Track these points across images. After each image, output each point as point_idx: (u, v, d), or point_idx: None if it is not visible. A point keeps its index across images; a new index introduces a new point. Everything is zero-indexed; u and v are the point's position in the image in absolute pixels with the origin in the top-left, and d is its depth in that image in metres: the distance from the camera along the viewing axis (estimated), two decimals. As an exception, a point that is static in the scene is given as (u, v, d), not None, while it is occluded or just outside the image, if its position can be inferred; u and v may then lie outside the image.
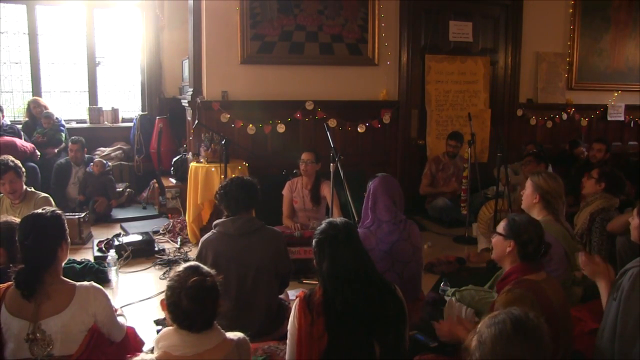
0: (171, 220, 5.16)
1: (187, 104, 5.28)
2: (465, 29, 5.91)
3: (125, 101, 7.16)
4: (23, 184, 3.92)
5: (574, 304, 2.83)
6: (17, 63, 6.59)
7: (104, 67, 6.90)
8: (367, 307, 1.95)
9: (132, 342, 2.39)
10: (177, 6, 6.53)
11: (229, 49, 4.99)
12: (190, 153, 5.25)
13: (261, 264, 2.73)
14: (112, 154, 6.51)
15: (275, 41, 5.14)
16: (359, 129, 5.46)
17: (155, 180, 6.10)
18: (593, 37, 6.63)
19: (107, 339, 2.20)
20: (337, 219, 2.15)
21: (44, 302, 2.04)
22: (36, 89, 6.61)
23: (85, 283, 2.17)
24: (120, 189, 6.03)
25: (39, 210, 2.20)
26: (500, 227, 2.32)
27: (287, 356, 2.09)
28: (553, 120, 6.46)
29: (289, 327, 2.05)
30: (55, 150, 6.01)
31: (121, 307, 3.22)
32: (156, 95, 6.91)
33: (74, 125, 6.63)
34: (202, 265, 1.79)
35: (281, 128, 5.19)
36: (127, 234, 4.78)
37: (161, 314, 2.80)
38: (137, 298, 3.47)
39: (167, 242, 4.79)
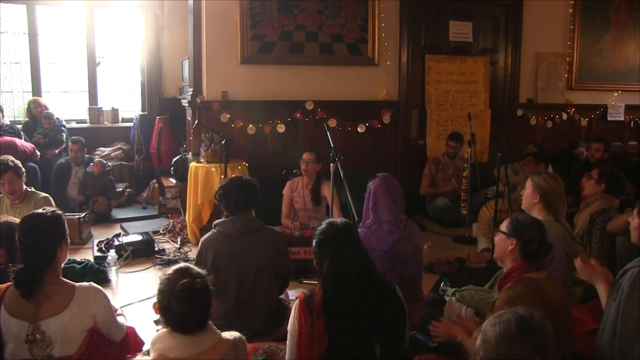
0: (171, 220, 5.16)
1: (187, 104, 5.28)
2: (465, 29, 5.91)
3: (125, 101, 7.16)
4: (23, 184, 3.92)
5: (574, 304, 2.83)
6: (17, 63, 6.59)
7: (104, 67, 6.90)
8: (368, 308, 1.95)
9: (132, 342, 2.39)
10: (177, 6, 6.53)
11: (229, 49, 4.99)
12: (190, 153, 5.25)
13: (261, 264, 2.73)
14: (112, 154, 6.51)
15: (275, 41, 5.14)
16: (359, 129, 5.46)
17: (155, 180, 6.10)
18: (593, 37, 6.63)
19: (107, 339, 2.20)
20: (338, 219, 2.15)
21: (43, 303, 2.03)
22: (36, 89, 6.61)
23: (85, 283, 2.17)
24: (120, 189, 6.03)
25: (39, 210, 2.20)
26: (503, 225, 2.33)
27: (287, 357, 2.09)
28: (553, 120, 6.46)
29: (289, 328, 2.05)
30: (56, 151, 6.01)
31: (121, 307, 3.22)
32: (156, 95, 6.91)
33: (74, 125, 6.63)
34: (192, 267, 1.77)
35: (281, 128, 5.19)
36: (127, 234, 4.78)
37: (161, 314, 2.78)
38: (137, 298, 3.46)
39: (167, 242, 4.79)
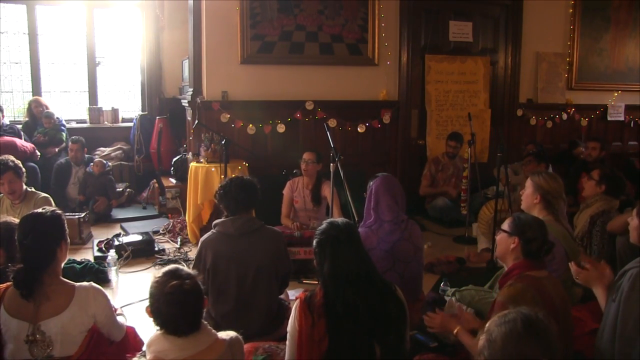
0: (171, 220, 5.16)
1: (187, 104, 5.28)
2: (465, 29, 5.91)
3: (125, 101, 7.16)
4: (23, 184, 3.92)
5: (574, 304, 2.83)
6: (17, 63, 6.59)
7: (104, 67, 6.90)
8: (368, 308, 1.95)
9: (132, 342, 2.39)
10: (177, 6, 6.53)
11: (229, 49, 4.99)
12: (190, 153, 5.25)
13: (261, 264, 2.73)
14: (112, 154, 6.51)
15: (275, 41, 5.14)
16: (359, 129, 5.46)
17: (155, 180, 6.10)
18: (593, 37, 6.62)
19: (107, 339, 2.20)
20: (338, 219, 2.14)
21: (43, 303, 2.03)
22: (36, 89, 6.61)
23: (85, 284, 2.17)
24: (120, 189, 6.02)
25: (39, 210, 2.20)
26: (505, 224, 2.34)
27: (287, 357, 2.08)
28: (553, 120, 6.46)
29: (289, 328, 2.05)
30: (56, 149, 6.01)
31: (121, 307, 3.22)
32: (156, 95, 6.91)
33: (74, 125, 6.63)
34: (181, 268, 1.77)
35: (281, 128, 5.19)
36: (127, 234, 4.78)
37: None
38: (137, 298, 3.46)
39: (167, 242, 4.79)
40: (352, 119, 5.43)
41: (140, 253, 4.31)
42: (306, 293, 2.05)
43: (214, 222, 2.85)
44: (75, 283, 2.15)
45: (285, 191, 4.46)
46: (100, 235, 4.83)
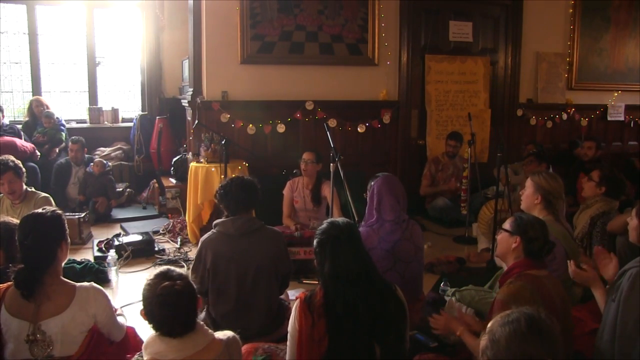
0: (171, 220, 5.16)
1: (187, 104, 5.28)
2: (465, 29, 5.91)
3: (125, 101, 7.16)
4: (23, 184, 3.91)
5: (574, 304, 2.83)
6: (17, 63, 6.60)
7: (104, 67, 6.90)
8: (368, 308, 1.95)
9: (132, 342, 2.39)
10: (177, 6, 6.53)
11: (229, 49, 4.99)
12: (190, 153, 5.25)
13: (261, 264, 2.73)
14: (112, 154, 6.51)
15: (275, 41, 5.14)
16: (359, 129, 5.46)
17: (155, 180, 6.10)
18: (593, 37, 6.63)
19: (107, 339, 2.20)
20: (339, 219, 2.14)
21: (44, 303, 2.03)
22: (36, 89, 6.61)
23: (85, 284, 2.17)
24: (120, 189, 6.03)
25: (39, 210, 2.20)
26: (507, 224, 2.34)
27: (287, 358, 2.08)
28: (553, 120, 6.46)
29: (289, 328, 2.04)
30: (56, 150, 6.01)
31: (121, 307, 3.23)
32: (156, 95, 6.91)
33: (74, 125, 6.63)
34: (172, 269, 1.77)
35: (281, 128, 5.19)
36: (127, 234, 4.79)
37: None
38: (137, 298, 3.46)
39: (167, 242, 4.79)
40: (352, 119, 5.43)
41: (140, 253, 4.31)
42: (306, 293, 2.05)
43: (214, 222, 2.85)
44: (75, 283, 2.15)
45: (286, 191, 4.46)
46: (100, 235, 4.83)
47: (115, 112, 6.84)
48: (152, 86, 6.90)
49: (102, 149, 6.54)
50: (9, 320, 2.02)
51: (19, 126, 6.01)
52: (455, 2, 5.83)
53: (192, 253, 4.34)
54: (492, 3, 6.07)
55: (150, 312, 1.69)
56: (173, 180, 5.70)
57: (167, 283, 1.68)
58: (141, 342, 2.46)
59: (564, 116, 6.50)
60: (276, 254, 2.80)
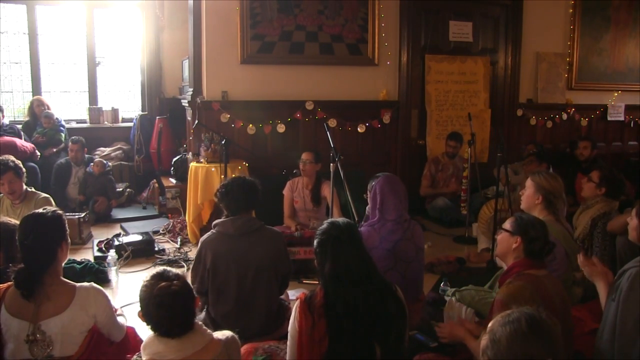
0: (171, 220, 5.16)
1: (187, 104, 5.28)
2: (465, 29, 5.91)
3: (125, 101, 7.16)
4: (23, 184, 3.92)
5: (574, 304, 2.83)
6: (17, 63, 6.60)
7: (104, 67, 6.90)
8: (369, 309, 1.95)
9: (132, 342, 2.39)
10: (177, 6, 6.53)
11: (229, 49, 4.99)
12: (190, 153, 5.25)
13: (261, 264, 2.73)
14: (112, 154, 6.51)
15: (275, 41, 5.14)
16: (359, 129, 5.46)
17: (155, 180, 6.10)
18: (593, 37, 6.62)
19: (107, 339, 2.20)
20: (339, 219, 2.14)
21: (43, 303, 2.03)
22: (36, 89, 6.61)
23: (86, 284, 2.17)
24: (120, 189, 6.03)
25: (40, 210, 2.20)
26: (507, 224, 2.34)
27: (287, 358, 2.08)
28: (553, 120, 6.46)
29: (289, 329, 2.04)
30: (54, 150, 6.00)
31: (121, 307, 3.22)
32: (156, 95, 6.91)
33: (74, 125, 6.63)
34: (168, 269, 1.77)
35: (281, 128, 5.19)
36: (127, 234, 4.79)
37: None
38: (137, 298, 3.45)
39: (167, 242, 4.79)
40: (352, 119, 5.43)
41: (140, 253, 4.30)
42: (306, 294, 2.05)
43: (214, 222, 2.85)
44: (75, 283, 2.15)
45: (286, 191, 4.46)
46: (100, 235, 4.83)
47: (115, 112, 6.84)
48: (152, 86, 6.90)
49: (102, 149, 6.54)
50: (9, 320, 2.02)
51: (19, 126, 6.01)
52: (455, 2, 5.83)
53: (192, 253, 4.34)
54: (492, 3, 6.07)
55: (147, 314, 1.69)
56: (173, 180, 5.70)
57: (163, 284, 1.69)
58: (141, 342, 2.45)
59: (564, 116, 6.50)
60: (276, 254, 2.80)
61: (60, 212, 2.24)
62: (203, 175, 4.56)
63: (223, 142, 4.26)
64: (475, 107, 5.98)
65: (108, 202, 5.56)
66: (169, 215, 5.39)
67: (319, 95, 5.31)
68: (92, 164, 5.65)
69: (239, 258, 2.71)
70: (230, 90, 5.03)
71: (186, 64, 5.77)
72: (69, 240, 2.24)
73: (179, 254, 4.42)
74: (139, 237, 4.44)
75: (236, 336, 1.85)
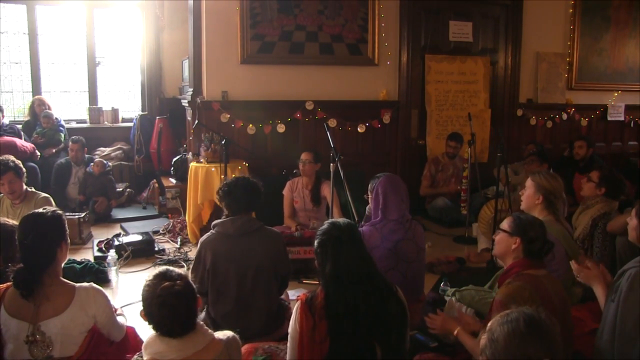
0: (171, 220, 5.16)
1: (187, 104, 5.28)
2: (465, 29, 5.91)
3: (125, 101, 7.16)
4: (23, 184, 3.91)
5: (574, 304, 2.83)
6: (17, 63, 6.60)
7: (104, 67, 6.90)
8: (369, 309, 1.94)
9: (132, 342, 2.39)
10: (177, 6, 6.53)
11: (229, 49, 4.99)
12: (190, 153, 5.25)
13: (260, 264, 2.73)
14: (112, 154, 6.51)
15: (275, 41, 5.14)
16: (359, 129, 5.46)
17: (155, 180, 6.10)
18: (593, 37, 6.62)
19: (107, 339, 2.20)
20: (340, 219, 2.13)
21: (43, 304, 2.03)
22: (36, 89, 6.61)
23: (85, 284, 2.16)
24: (120, 189, 6.03)
25: (39, 210, 2.19)
26: (505, 224, 2.33)
27: (287, 359, 2.08)
28: (553, 120, 6.46)
29: (289, 330, 2.04)
30: (53, 150, 6.00)
31: (121, 307, 3.22)
32: (156, 95, 6.91)
33: (74, 125, 6.63)
34: (171, 269, 1.76)
35: (281, 128, 5.19)
36: (127, 234, 4.79)
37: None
38: (137, 298, 3.45)
39: (167, 242, 4.79)
40: (352, 119, 5.43)
41: (140, 253, 4.30)
42: (307, 294, 2.04)
43: (214, 223, 2.85)
44: (75, 283, 2.15)
45: (285, 191, 4.46)
46: (100, 235, 4.83)
47: (115, 112, 6.84)
48: (152, 86, 6.90)
49: (102, 149, 6.54)
50: (9, 321, 2.02)
51: (19, 126, 6.01)
52: (455, 2, 5.83)
53: (192, 253, 4.34)
54: (492, 3, 6.06)
55: (150, 313, 1.69)
56: (173, 180, 5.70)
57: (166, 284, 1.68)
58: (141, 342, 2.46)
59: (564, 116, 6.50)
60: (276, 254, 2.80)
61: (60, 212, 2.24)
62: (203, 175, 4.56)
63: (223, 142, 4.26)
64: (475, 107, 5.98)
65: (108, 202, 5.56)
66: (169, 215, 5.39)
67: (319, 95, 5.31)
68: (92, 164, 5.65)
69: (239, 258, 2.71)
70: (230, 90, 5.03)
71: (186, 64, 5.77)
72: (69, 241, 2.24)
73: (179, 254, 4.43)
74: (139, 237, 4.44)
75: (237, 336, 1.85)
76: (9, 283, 2.07)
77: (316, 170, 4.38)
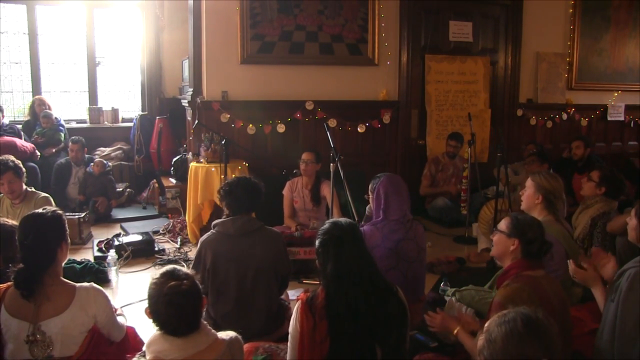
0: (171, 220, 5.16)
1: (187, 104, 5.28)
2: (465, 29, 5.91)
3: (125, 101, 7.16)
4: (23, 184, 3.91)
5: (574, 304, 2.83)
6: (17, 63, 6.60)
7: (104, 67, 6.90)
8: (370, 310, 1.94)
9: (132, 342, 2.39)
10: (177, 6, 6.53)
11: (229, 49, 4.99)
12: (190, 153, 5.25)
13: (260, 264, 2.73)
14: (112, 154, 6.51)
15: (275, 41, 5.14)
16: (359, 129, 5.46)
17: (155, 180, 6.10)
18: (593, 37, 6.63)
19: (107, 339, 2.20)
20: (341, 219, 2.13)
21: (43, 304, 2.03)
22: (36, 89, 6.61)
23: (86, 284, 2.17)
24: (120, 189, 6.03)
25: (39, 210, 2.20)
26: (503, 225, 2.32)
27: (288, 359, 2.08)
28: (553, 120, 6.46)
29: (290, 330, 2.04)
30: (53, 150, 6.00)
31: (121, 307, 3.22)
32: (156, 95, 6.91)
33: (74, 125, 6.63)
34: (179, 268, 1.77)
35: (281, 128, 5.19)
36: (127, 234, 4.79)
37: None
38: (137, 298, 3.46)
39: (167, 242, 4.79)
40: (352, 119, 5.43)
41: (140, 253, 4.31)
42: (307, 294, 2.04)
43: (214, 223, 2.85)
44: (75, 283, 2.15)
45: (285, 191, 4.46)
46: (100, 235, 4.83)
47: (115, 112, 6.84)
48: (152, 86, 6.90)
49: (102, 149, 6.54)
50: (9, 321, 2.02)
51: (19, 126, 6.01)
52: (455, 2, 5.83)
53: (192, 253, 4.34)
54: (492, 3, 6.07)
55: (156, 311, 1.69)
56: (173, 180, 5.70)
57: (173, 283, 1.69)
58: (141, 342, 2.46)
59: (564, 116, 6.50)
60: (276, 254, 2.80)
61: (60, 212, 2.24)
62: (203, 175, 4.56)
63: (223, 142, 4.26)
64: (475, 107, 5.98)
65: (108, 202, 5.56)
66: (169, 215, 5.39)
67: (319, 95, 5.31)
68: (92, 164, 5.65)
69: (239, 258, 2.71)
70: (230, 90, 5.03)
71: (186, 64, 5.77)
72: (69, 241, 2.24)
73: (179, 254, 4.43)
74: (139, 237, 4.44)
75: (240, 337, 1.86)
76: (9, 283, 2.07)
77: (316, 170, 4.38)
